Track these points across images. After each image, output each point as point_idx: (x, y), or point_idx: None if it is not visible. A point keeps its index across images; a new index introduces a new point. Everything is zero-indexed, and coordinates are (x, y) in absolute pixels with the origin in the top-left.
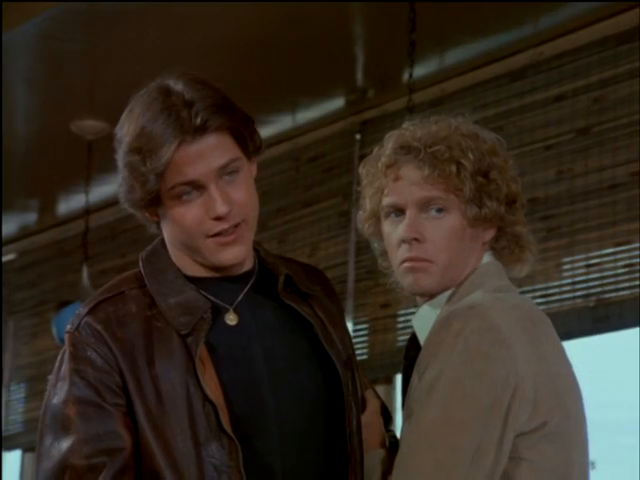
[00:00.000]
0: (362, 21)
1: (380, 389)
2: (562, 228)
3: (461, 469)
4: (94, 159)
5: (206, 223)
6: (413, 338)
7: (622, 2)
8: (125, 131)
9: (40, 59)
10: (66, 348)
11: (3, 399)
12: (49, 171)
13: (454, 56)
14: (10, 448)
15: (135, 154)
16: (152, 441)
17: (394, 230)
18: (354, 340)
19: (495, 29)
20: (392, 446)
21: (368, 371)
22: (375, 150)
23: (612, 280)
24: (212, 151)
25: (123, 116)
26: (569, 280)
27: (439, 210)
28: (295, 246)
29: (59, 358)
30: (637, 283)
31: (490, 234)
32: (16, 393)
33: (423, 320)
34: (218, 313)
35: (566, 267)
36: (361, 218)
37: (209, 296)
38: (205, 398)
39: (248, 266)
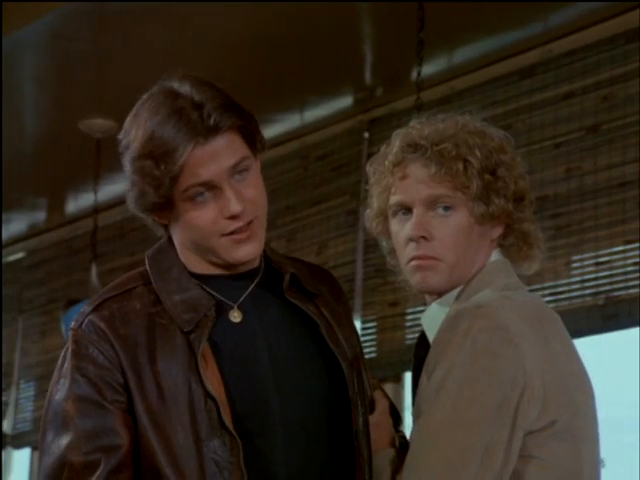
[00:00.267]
0: (371, 19)
1: (389, 387)
2: (571, 226)
3: (470, 469)
4: (103, 157)
5: (221, 222)
6: (422, 336)
7: (632, 0)
8: (133, 136)
9: (49, 58)
10: (69, 345)
11: (12, 397)
12: (58, 170)
13: (463, 54)
14: (19, 446)
15: (146, 159)
16: (153, 438)
17: (402, 228)
18: (362, 338)
19: (504, 27)
20: (401, 446)
21: (377, 369)
22: (382, 148)
23: (621, 278)
24: (224, 151)
25: (127, 122)
26: (578, 278)
27: (446, 208)
28: (303, 244)
29: (62, 355)
30: None
31: (498, 231)
32: (25, 391)
33: (432, 318)
34: (222, 310)
35: (575, 265)
36: (369, 216)
37: (214, 293)
38: (207, 394)
39: (254, 264)
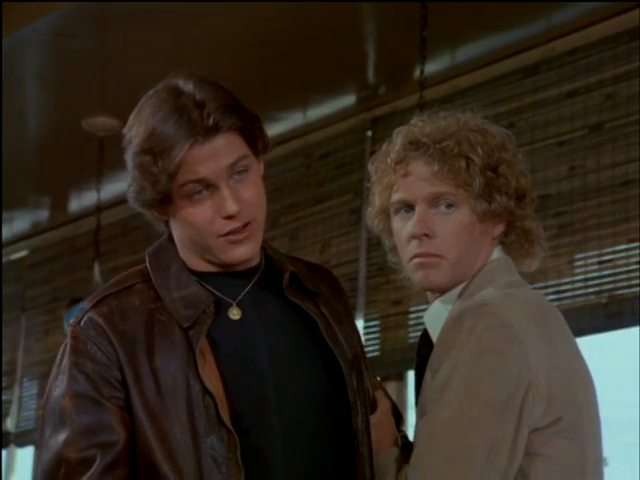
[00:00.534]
0: (373, 18)
1: (392, 386)
2: (574, 224)
3: (476, 467)
4: (105, 156)
5: (217, 222)
6: (425, 335)
7: (632, 0)
8: (135, 132)
9: (51, 57)
10: (68, 341)
11: (15, 396)
12: (60, 168)
13: (466, 53)
14: (23, 444)
15: (146, 155)
16: (150, 433)
17: (404, 226)
18: (365, 337)
19: (507, 25)
20: (404, 446)
21: (379, 368)
22: (384, 146)
23: (625, 277)
24: (223, 150)
25: (131, 117)
26: (581, 277)
27: (449, 205)
28: (306, 243)
29: (61, 351)
30: None
31: (500, 229)
32: (28, 390)
33: (435, 316)
34: (221, 307)
35: (579, 264)
36: (370, 214)
37: (213, 290)
38: (205, 390)
39: (254, 262)
